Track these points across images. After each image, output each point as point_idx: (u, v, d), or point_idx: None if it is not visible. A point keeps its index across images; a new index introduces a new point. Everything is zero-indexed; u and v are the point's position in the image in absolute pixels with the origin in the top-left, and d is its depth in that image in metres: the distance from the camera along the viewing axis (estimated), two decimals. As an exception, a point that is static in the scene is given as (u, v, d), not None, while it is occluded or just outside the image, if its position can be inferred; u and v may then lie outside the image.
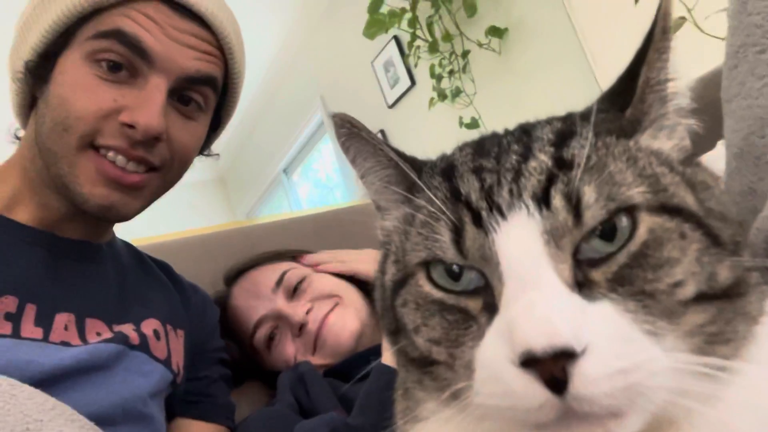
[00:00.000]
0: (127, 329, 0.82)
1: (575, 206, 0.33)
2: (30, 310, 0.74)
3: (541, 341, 0.29)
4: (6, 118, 0.89)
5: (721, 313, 0.33)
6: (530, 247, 0.33)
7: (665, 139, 0.39)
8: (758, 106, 0.48)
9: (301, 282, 1.10)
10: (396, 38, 2.97)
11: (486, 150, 0.39)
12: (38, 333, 0.73)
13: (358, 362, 1.00)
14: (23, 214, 0.82)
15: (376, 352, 0.92)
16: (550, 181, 0.34)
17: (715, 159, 0.58)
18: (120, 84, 0.77)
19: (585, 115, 0.39)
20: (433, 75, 2.63)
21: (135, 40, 0.76)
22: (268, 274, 1.13)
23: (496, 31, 2.45)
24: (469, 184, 0.37)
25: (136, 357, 0.80)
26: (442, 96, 2.62)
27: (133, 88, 0.77)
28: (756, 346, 0.35)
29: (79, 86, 0.76)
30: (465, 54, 2.57)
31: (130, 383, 0.76)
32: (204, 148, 0.97)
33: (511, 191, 0.35)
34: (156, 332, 0.85)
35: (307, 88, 3.79)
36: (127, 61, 0.76)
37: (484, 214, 0.35)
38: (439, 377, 0.37)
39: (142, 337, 0.82)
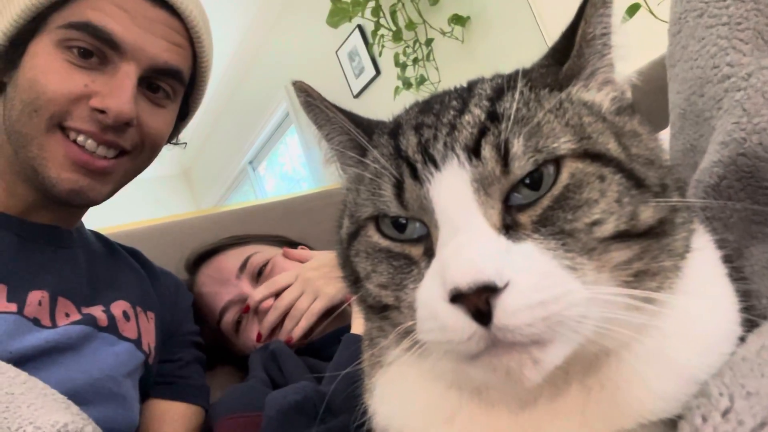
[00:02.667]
0: (96, 311, 0.82)
1: (504, 156, 0.35)
2: (0, 289, 0.74)
3: (466, 278, 0.32)
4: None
5: (647, 250, 0.36)
6: (460, 195, 0.35)
7: (597, 90, 0.41)
8: (698, 66, 0.52)
9: (264, 266, 1.10)
10: (360, 27, 2.97)
11: (430, 107, 0.42)
12: (12, 307, 0.73)
13: (330, 340, 1.01)
14: None
15: (348, 329, 0.93)
16: (482, 133, 0.36)
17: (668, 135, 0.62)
18: (90, 70, 0.77)
19: (527, 71, 0.42)
20: (397, 63, 2.65)
21: (104, 32, 0.76)
22: (232, 259, 1.13)
23: (458, 20, 2.48)
24: (408, 140, 0.39)
25: (104, 338, 0.80)
26: (407, 84, 2.64)
27: (103, 75, 0.78)
28: (684, 279, 0.38)
29: (50, 70, 0.76)
30: (429, 42, 2.59)
31: (99, 363, 0.76)
32: (172, 136, 0.97)
33: (445, 144, 0.37)
34: (125, 313, 0.85)
35: (271, 79, 3.75)
36: (97, 49, 0.77)
37: (419, 166, 0.37)
38: (394, 321, 0.40)
39: (111, 318, 0.82)
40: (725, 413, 0.31)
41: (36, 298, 0.77)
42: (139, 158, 0.86)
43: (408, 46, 2.63)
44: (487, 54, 2.47)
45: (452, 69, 2.59)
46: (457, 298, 0.32)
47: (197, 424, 0.93)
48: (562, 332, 0.32)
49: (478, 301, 0.32)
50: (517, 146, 0.35)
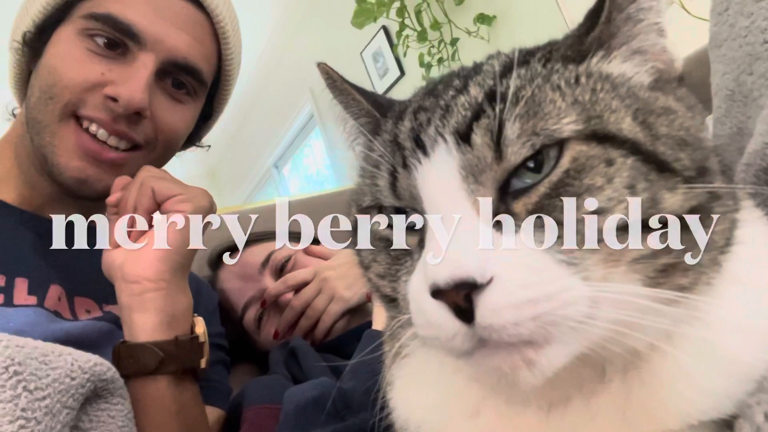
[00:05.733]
0: (117, 310, 0.81)
1: (496, 141, 0.32)
2: (21, 283, 0.74)
3: (443, 274, 0.29)
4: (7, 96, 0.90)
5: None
6: (446, 184, 0.33)
7: (622, 61, 0.36)
8: (747, 44, 0.48)
9: (287, 261, 1.09)
10: (384, 28, 2.96)
11: (435, 87, 0.39)
12: (32, 300, 0.73)
13: (351, 337, 0.99)
14: (11, 194, 0.82)
15: (369, 326, 0.91)
16: (476, 116, 0.33)
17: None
18: (110, 59, 0.77)
19: (552, 43, 0.38)
20: (422, 64, 2.63)
21: (124, 24, 0.76)
22: (255, 255, 1.12)
23: (484, 19, 2.44)
24: (404, 125, 0.37)
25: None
26: (432, 85, 2.61)
27: (121, 64, 0.77)
28: (737, 266, 0.34)
29: (69, 57, 0.76)
30: (454, 42, 2.56)
31: None
32: (196, 138, 0.96)
33: (436, 128, 0.34)
34: None
35: (296, 81, 3.76)
36: (118, 40, 0.77)
37: (407, 153, 0.35)
38: (397, 313, 0.38)
39: None
40: (792, 411, 0.27)
41: (56, 293, 0.76)
42: (153, 154, 0.84)
43: (433, 47, 2.61)
44: (514, 54, 2.43)
45: (478, 69, 2.55)
46: (437, 293, 0.30)
47: (218, 427, 0.91)
48: (559, 333, 0.29)
49: (456, 298, 0.29)
50: (511, 130, 0.32)
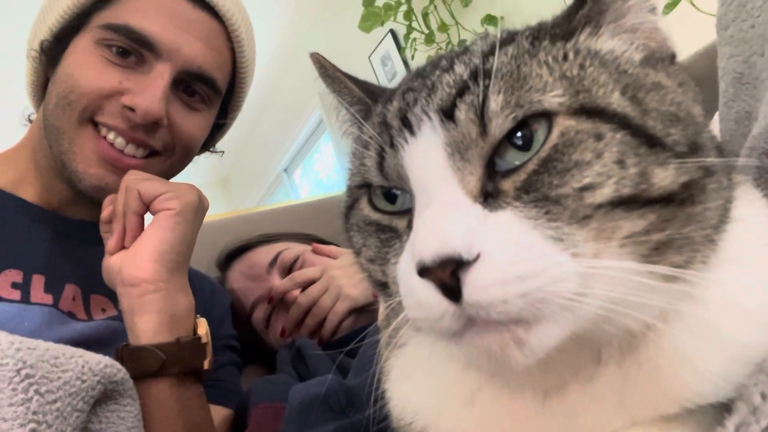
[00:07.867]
0: None
1: (481, 117, 0.32)
2: (38, 279, 0.75)
3: (429, 250, 0.29)
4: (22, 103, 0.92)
5: (670, 219, 0.30)
6: (432, 161, 0.33)
7: (611, 37, 0.36)
8: (760, 24, 0.46)
9: (295, 261, 1.09)
10: (392, 32, 2.97)
11: (423, 69, 0.39)
12: (48, 299, 0.74)
13: (356, 337, 0.98)
14: (29, 193, 0.83)
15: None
16: (461, 93, 0.33)
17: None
18: (126, 68, 0.79)
19: (541, 23, 0.38)
20: (430, 66, 2.63)
21: (141, 35, 0.78)
22: (263, 255, 1.13)
23: (491, 20, 2.44)
24: (392, 105, 0.37)
25: None
26: (440, 87, 2.61)
27: (138, 74, 0.79)
28: (735, 248, 0.33)
29: (86, 65, 0.78)
30: (461, 44, 2.56)
31: None
32: (210, 143, 0.98)
33: (422, 107, 0.34)
34: None
35: (304, 86, 3.78)
36: (134, 50, 0.79)
37: (394, 132, 0.35)
38: (389, 298, 0.37)
39: None
40: (790, 390, 0.26)
41: (70, 292, 0.77)
42: (170, 160, 0.86)
43: (441, 49, 2.60)
44: (522, 54, 2.42)
45: (486, 70, 2.54)
46: (424, 272, 0.29)
47: (227, 427, 0.91)
48: (550, 311, 0.28)
49: (443, 276, 0.29)
50: (494, 103, 0.32)
